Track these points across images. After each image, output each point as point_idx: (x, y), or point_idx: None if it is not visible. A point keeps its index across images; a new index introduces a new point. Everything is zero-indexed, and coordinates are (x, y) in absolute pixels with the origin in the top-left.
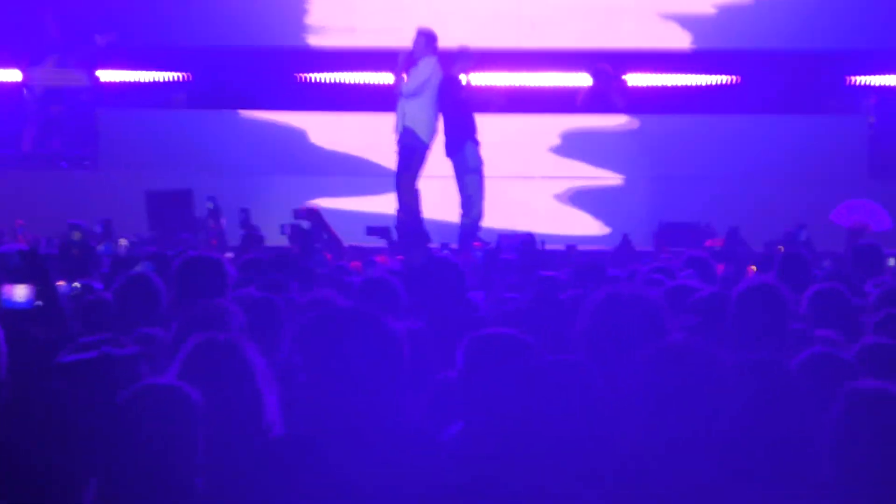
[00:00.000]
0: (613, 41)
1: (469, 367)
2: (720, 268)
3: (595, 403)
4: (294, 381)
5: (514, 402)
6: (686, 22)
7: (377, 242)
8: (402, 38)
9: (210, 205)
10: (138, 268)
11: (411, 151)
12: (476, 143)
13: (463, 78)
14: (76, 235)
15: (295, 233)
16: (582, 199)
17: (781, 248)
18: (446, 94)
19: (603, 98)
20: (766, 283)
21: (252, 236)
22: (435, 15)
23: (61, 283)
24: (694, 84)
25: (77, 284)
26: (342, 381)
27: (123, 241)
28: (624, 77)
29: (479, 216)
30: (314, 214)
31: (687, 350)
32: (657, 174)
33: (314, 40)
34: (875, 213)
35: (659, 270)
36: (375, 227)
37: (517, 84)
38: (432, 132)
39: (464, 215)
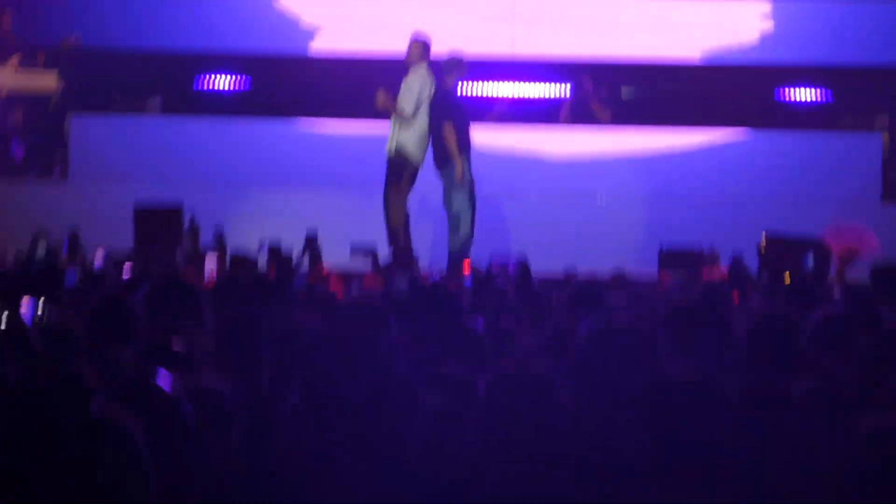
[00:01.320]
0: (605, 51)
1: (491, 402)
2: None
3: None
4: (275, 409)
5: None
6: (689, 34)
7: (362, 263)
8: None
9: (189, 220)
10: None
11: (400, 168)
12: (467, 157)
13: (455, 86)
14: (42, 245)
15: (273, 255)
16: (576, 219)
17: (788, 275)
18: (438, 105)
19: (586, 111)
20: (775, 312)
21: (237, 259)
22: (420, 23)
23: (24, 300)
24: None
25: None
26: (336, 411)
27: (100, 253)
28: (610, 88)
29: (467, 236)
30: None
31: (684, 383)
32: (654, 194)
33: (304, 46)
34: (862, 236)
35: None
36: (360, 245)
37: (510, 95)
38: (424, 148)
39: (451, 235)
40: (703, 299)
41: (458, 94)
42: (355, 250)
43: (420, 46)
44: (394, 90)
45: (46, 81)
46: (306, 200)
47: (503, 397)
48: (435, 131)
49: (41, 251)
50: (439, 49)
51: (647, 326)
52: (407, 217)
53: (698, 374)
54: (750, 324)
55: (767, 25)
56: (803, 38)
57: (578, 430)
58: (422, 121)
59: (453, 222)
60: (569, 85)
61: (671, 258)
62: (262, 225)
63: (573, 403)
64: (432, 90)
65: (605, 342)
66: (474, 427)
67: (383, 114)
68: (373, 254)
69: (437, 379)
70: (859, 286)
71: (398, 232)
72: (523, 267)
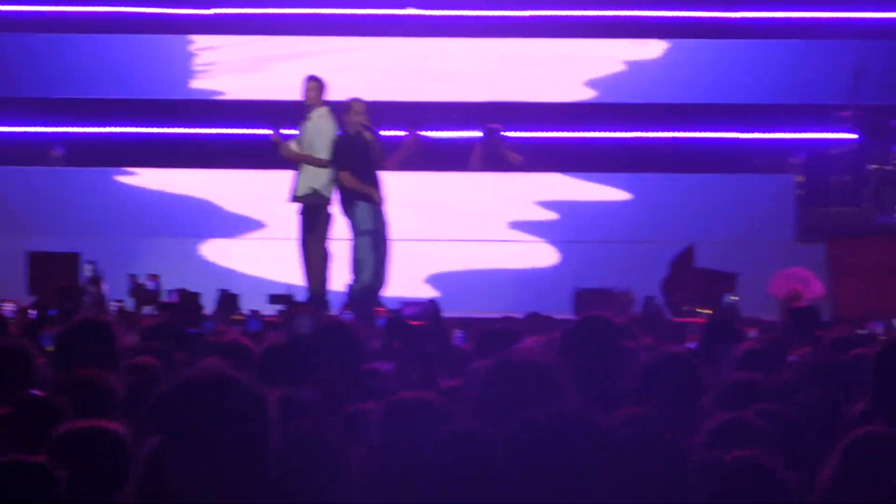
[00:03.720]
0: (513, 94)
1: (385, 436)
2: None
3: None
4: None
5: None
6: (594, 77)
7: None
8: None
9: (90, 269)
10: None
11: (315, 211)
12: (372, 201)
13: (360, 131)
14: None
15: (183, 298)
16: (491, 261)
17: (708, 312)
18: (341, 149)
19: (496, 157)
20: (679, 353)
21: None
22: (329, 69)
23: None
24: (602, 138)
25: None
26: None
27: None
28: (518, 133)
29: (374, 281)
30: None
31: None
32: (569, 237)
33: (201, 91)
34: (807, 281)
35: None
36: (278, 295)
37: (417, 139)
38: (330, 189)
39: (353, 280)
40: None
41: (360, 137)
42: (274, 299)
43: (319, 87)
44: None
45: None
46: (214, 248)
47: (398, 426)
48: (338, 176)
49: None
50: (340, 95)
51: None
52: (325, 260)
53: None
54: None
55: (671, 64)
56: (708, 76)
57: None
58: (330, 161)
59: (356, 267)
60: (480, 130)
61: (587, 299)
62: (169, 272)
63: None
64: (333, 133)
65: (506, 375)
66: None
67: (276, 159)
68: (290, 301)
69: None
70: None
71: (316, 276)
72: (434, 309)
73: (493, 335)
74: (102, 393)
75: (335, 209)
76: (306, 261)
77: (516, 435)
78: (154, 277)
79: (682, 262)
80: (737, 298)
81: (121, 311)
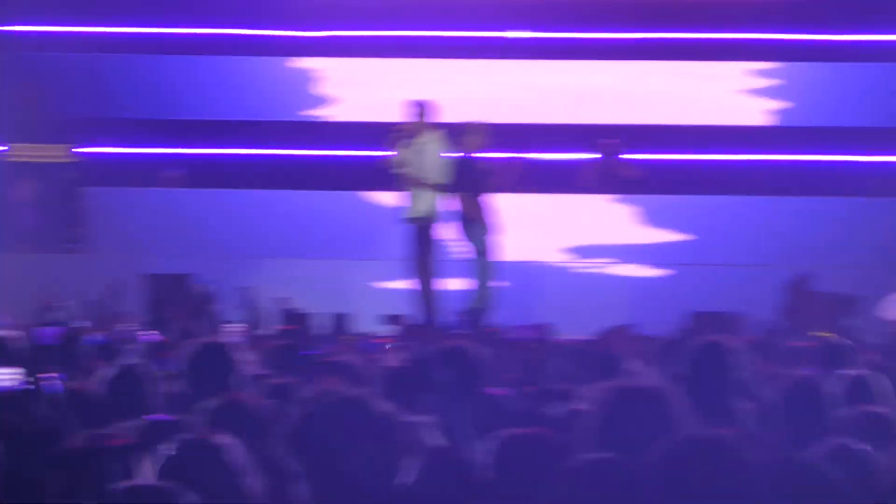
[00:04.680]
0: (630, 116)
1: (500, 466)
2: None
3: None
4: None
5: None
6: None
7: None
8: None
9: (207, 289)
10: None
11: (428, 231)
12: (489, 224)
13: (475, 153)
14: (59, 313)
15: (297, 319)
16: (600, 285)
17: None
18: (458, 170)
19: (611, 176)
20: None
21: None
22: (439, 91)
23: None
24: (721, 161)
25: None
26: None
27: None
28: (634, 153)
29: (488, 302)
30: None
31: (706, 444)
32: (684, 259)
33: (311, 114)
34: None
35: None
36: (392, 316)
37: (528, 161)
38: (442, 210)
39: (473, 301)
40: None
41: (477, 159)
42: (388, 319)
43: (427, 111)
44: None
45: (61, 153)
46: (326, 269)
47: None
48: (455, 198)
49: (59, 318)
50: (457, 116)
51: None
52: (437, 280)
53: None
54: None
55: (789, 88)
56: (827, 98)
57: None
58: (441, 183)
59: (474, 286)
60: (594, 149)
61: (702, 321)
62: (283, 292)
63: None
64: (449, 153)
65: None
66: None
67: (390, 179)
68: (404, 321)
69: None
70: None
71: (428, 296)
72: (544, 331)
73: (595, 357)
74: (252, 416)
75: (448, 229)
76: (419, 281)
77: (661, 462)
78: (274, 299)
79: (801, 287)
80: (858, 322)
81: (238, 332)
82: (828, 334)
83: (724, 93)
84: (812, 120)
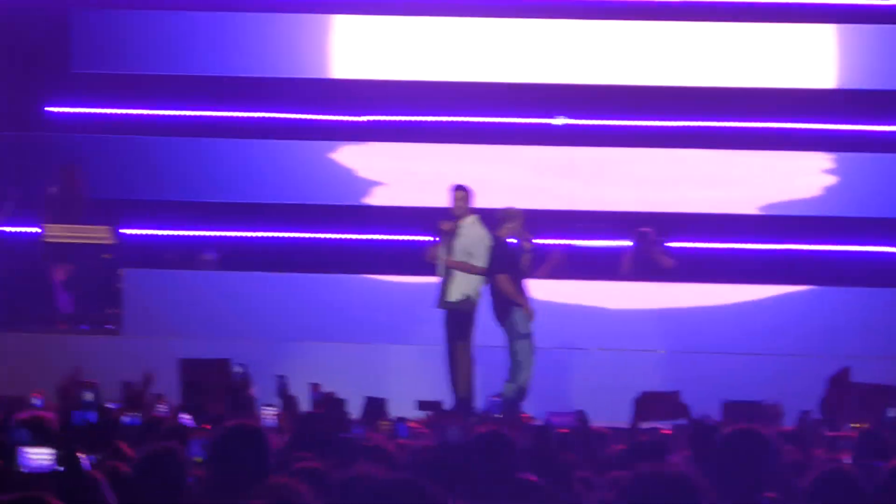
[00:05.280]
0: (665, 204)
1: None
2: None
3: None
4: None
5: None
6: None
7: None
8: (437, 199)
9: (241, 373)
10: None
11: (466, 318)
12: (526, 310)
13: (513, 239)
14: (91, 395)
15: (331, 403)
16: (633, 372)
17: (865, 426)
18: (495, 256)
19: (648, 263)
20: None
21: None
22: (478, 177)
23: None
24: (758, 250)
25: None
26: None
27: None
28: (669, 241)
29: (525, 384)
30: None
31: None
32: (720, 348)
33: (347, 196)
34: None
35: None
36: (427, 402)
37: (566, 247)
38: (480, 295)
39: (509, 381)
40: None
41: (513, 245)
42: (423, 405)
43: (467, 197)
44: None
45: (99, 234)
46: (362, 353)
47: None
48: (493, 282)
49: (93, 400)
50: (492, 202)
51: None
52: (472, 366)
53: None
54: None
55: (829, 178)
56: (867, 189)
57: None
58: (479, 268)
59: (514, 370)
60: (631, 237)
61: (735, 411)
62: (315, 378)
63: None
64: (489, 240)
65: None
66: None
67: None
68: (439, 407)
69: None
70: None
71: (465, 382)
72: (581, 419)
73: (641, 446)
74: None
75: (485, 315)
76: (454, 366)
77: None
78: (309, 382)
79: (841, 379)
80: None
81: (272, 415)
82: (866, 425)
83: (766, 181)
84: (850, 210)
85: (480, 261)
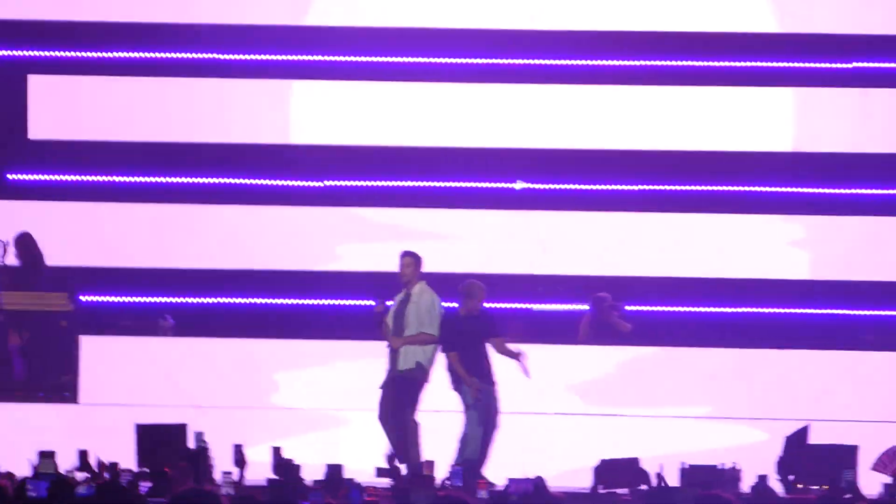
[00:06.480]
0: (624, 269)
1: None
2: None
3: None
4: None
5: None
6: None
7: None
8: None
9: (198, 441)
10: None
11: (416, 386)
12: (483, 378)
13: (472, 314)
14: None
15: (287, 470)
16: (596, 436)
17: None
18: (451, 329)
19: (606, 328)
20: None
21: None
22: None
23: None
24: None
25: None
26: None
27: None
28: (626, 306)
29: (476, 455)
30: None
31: None
32: (676, 412)
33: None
34: None
35: None
36: (386, 469)
37: (524, 312)
38: (432, 362)
39: (458, 454)
40: None
41: (471, 319)
42: (381, 471)
43: (414, 263)
44: None
45: (56, 301)
46: (319, 418)
47: None
48: (448, 348)
49: (49, 469)
50: (447, 265)
51: None
52: (419, 433)
53: None
54: None
55: (787, 240)
56: (824, 252)
57: None
58: (432, 335)
59: (463, 441)
60: (588, 302)
61: (691, 476)
62: (275, 442)
63: None
64: (439, 306)
65: None
66: None
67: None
68: (398, 474)
69: None
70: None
71: (413, 449)
72: (540, 485)
73: None
74: None
75: (439, 382)
76: (403, 433)
77: None
78: (267, 448)
79: (798, 440)
80: (855, 473)
81: (229, 482)
82: (824, 487)
83: (724, 244)
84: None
85: (433, 328)
